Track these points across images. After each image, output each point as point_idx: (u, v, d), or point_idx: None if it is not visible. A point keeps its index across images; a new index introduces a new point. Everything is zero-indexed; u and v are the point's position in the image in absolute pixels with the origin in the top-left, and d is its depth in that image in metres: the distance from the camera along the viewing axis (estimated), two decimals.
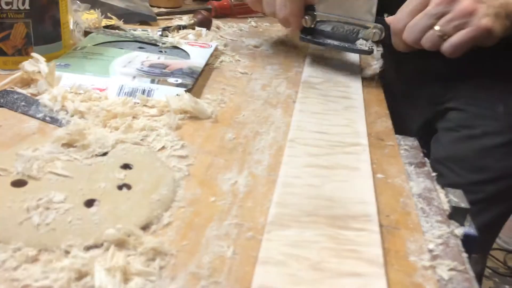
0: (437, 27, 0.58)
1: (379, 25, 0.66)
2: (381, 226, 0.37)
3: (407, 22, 0.61)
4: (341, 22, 0.68)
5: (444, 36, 0.58)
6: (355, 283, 0.31)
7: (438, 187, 0.44)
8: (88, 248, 0.33)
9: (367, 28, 0.67)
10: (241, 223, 0.37)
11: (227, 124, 0.53)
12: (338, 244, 0.35)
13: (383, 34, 0.66)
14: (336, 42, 0.69)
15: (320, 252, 0.34)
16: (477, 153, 0.74)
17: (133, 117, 0.51)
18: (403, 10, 0.62)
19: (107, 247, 0.32)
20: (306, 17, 0.69)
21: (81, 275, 0.30)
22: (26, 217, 0.34)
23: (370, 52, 0.68)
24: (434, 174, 0.46)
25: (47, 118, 0.50)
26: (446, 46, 0.59)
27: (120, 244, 0.33)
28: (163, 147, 0.47)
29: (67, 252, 0.32)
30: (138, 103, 0.55)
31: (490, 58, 0.70)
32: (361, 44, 0.68)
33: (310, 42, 0.71)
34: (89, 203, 0.37)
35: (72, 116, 0.50)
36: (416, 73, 0.82)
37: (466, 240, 0.39)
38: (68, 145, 0.44)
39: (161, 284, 0.31)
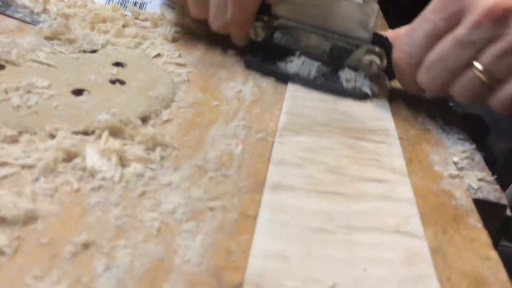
0: (478, 65, 0.32)
1: (377, 49, 0.38)
2: (400, 139, 0.34)
3: (422, 56, 0.34)
4: (314, 33, 0.40)
5: (491, 81, 0.32)
6: (378, 187, 0.28)
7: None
8: (77, 134, 0.28)
9: (358, 47, 0.39)
10: (250, 125, 0.33)
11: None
12: (357, 152, 0.31)
13: (385, 62, 0.38)
14: (301, 71, 0.40)
15: (338, 159, 0.30)
16: None
17: (124, 26, 0.46)
18: (414, 35, 0.34)
19: (99, 134, 0.28)
20: (257, 25, 0.40)
21: (69, 156, 0.26)
22: (3, 98, 0.30)
23: (362, 96, 0.39)
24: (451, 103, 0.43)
25: (27, 19, 0.45)
26: (498, 100, 0.33)
27: (115, 133, 0.29)
28: (158, 55, 0.42)
29: (52, 136, 0.28)
30: (128, 15, 0.49)
31: None
32: (348, 79, 0.39)
33: (259, 69, 0.41)
34: (78, 92, 0.32)
35: (55, 19, 0.45)
36: None
37: (486, 164, 0.36)
38: (52, 38, 0.39)
39: (163, 173, 0.27)
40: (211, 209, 0.24)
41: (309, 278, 0.21)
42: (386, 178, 0.29)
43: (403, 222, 0.25)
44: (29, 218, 0.22)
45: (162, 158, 0.28)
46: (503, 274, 0.23)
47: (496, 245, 0.28)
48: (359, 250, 0.23)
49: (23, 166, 0.25)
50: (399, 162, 0.31)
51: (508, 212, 0.30)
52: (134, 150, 0.27)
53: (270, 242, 0.23)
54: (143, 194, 0.25)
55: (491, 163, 0.36)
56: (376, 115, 0.37)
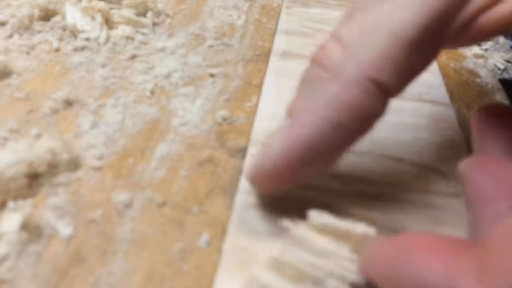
0: None
1: None
2: None
3: None
4: None
5: None
6: None
7: None
8: None
9: None
10: None
11: None
12: None
13: None
14: None
15: None
16: None
17: None
18: None
19: None
20: None
21: (47, 14, 0.23)
22: None
23: None
24: None
25: None
26: None
27: None
28: None
29: None
30: None
31: None
32: None
33: None
34: None
35: None
36: None
37: None
38: None
39: (156, 38, 0.23)
40: (212, 75, 0.22)
41: None
42: None
43: (427, 91, 0.22)
44: (1, 72, 0.19)
45: (154, 24, 0.25)
46: None
47: None
48: None
49: None
50: None
51: None
52: (122, 12, 0.24)
53: (277, 105, 0.20)
54: (133, 57, 0.22)
55: None
56: None
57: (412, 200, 0.17)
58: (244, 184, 0.16)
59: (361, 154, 0.18)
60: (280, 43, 0.25)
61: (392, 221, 0.16)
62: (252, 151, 0.18)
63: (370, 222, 0.14)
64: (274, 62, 0.23)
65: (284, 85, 0.22)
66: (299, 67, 0.23)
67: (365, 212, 0.16)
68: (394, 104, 0.21)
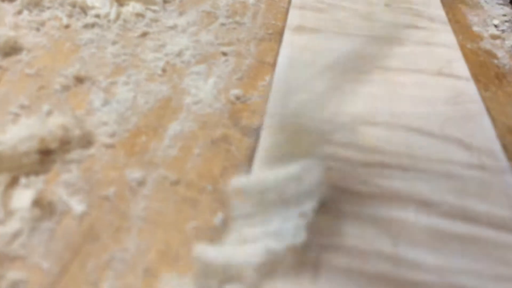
0: None
1: None
2: None
3: None
4: None
5: None
6: (416, 33, 0.25)
7: None
8: None
9: None
10: None
11: None
12: (390, 1, 0.28)
13: None
14: None
15: (369, 6, 0.27)
16: None
17: None
18: None
19: None
20: None
21: None
22: None
23: None
24: None
25: None
26: None
27: None
28: None
29: None
30: None
31: None
32: None
33: None
34: None
35: None
36: None
37: None
38: None
39: (167, 16, 0.23)
40: (224, 53, 0.21)
41: (338, 111, 0.18)
42: (425, 26, 0.26)
43: (446, 65, 0.22)
44: (12, 48, 0.18)
45: (165, 1, 0.24)
46: None
47: None
48: (397, 89, 0.20)
49: None
50: (438, 12, 0.28)
51: None
52: None
53: (293, 76, 0.20)
54: (144, 34, 0.21)
55: None
56: None
57: (433, 170, 0.17)
58: (259, 156, 0.16)
59: (381, 126, 0.18)
60: (293, 17, 0.25)
61: (414, 191, 0.16)
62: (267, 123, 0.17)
63: (392, 192, 0.14)
64: (288, 35, 0.23)
65: (300, 58, 0.21)
66: (315, 40, 0.23)
67: (387, 182, 0.16)
68: (414, 77, 0.21)
